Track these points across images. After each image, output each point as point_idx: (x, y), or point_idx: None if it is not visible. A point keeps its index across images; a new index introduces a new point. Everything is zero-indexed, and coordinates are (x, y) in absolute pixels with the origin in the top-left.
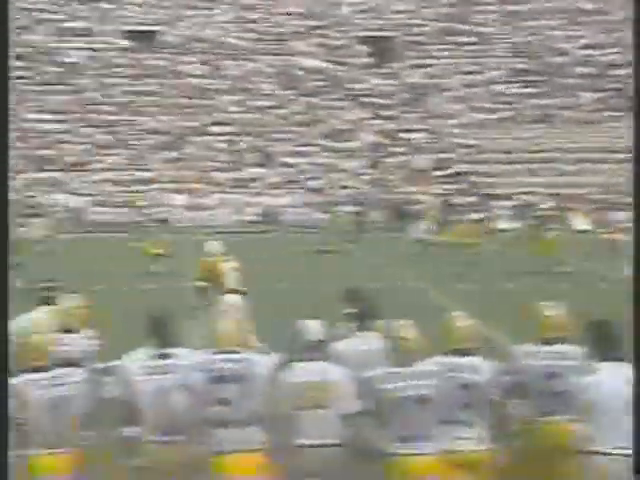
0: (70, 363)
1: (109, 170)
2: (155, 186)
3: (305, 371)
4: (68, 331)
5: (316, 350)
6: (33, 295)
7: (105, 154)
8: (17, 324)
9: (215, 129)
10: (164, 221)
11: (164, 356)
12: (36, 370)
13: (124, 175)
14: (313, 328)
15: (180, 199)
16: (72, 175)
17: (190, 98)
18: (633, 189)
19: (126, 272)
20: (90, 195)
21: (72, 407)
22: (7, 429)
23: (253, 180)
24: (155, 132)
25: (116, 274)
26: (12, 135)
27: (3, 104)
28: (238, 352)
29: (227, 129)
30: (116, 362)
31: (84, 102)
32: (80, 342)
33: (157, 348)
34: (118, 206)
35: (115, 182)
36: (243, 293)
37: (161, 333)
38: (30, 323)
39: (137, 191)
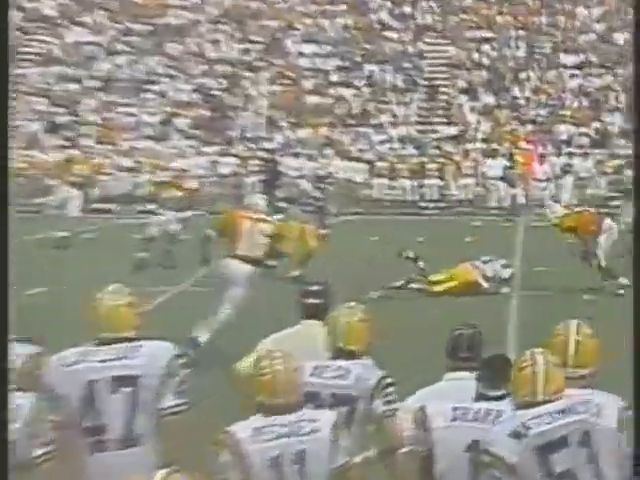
0: (337, 401)
1: None
2: None
3: None
4: (342, 355)
5: None
6: (300, 305)
7: None
8: (269, 344)
9: None
10: None
11: (488, 397)
12: (272, 411)
13: None
14: None
15: None
16: None
17: None
18: (633, 189)
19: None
20: None
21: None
22: (7, 430)
23: None
24: None
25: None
26: None
27: (3, 102)
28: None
29: None
30: (409, 399)
31: None
32: (358, 371)
33: (484, 383)
34: None
35: None
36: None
37: (474, 360)
38: (285, 343)
39: None
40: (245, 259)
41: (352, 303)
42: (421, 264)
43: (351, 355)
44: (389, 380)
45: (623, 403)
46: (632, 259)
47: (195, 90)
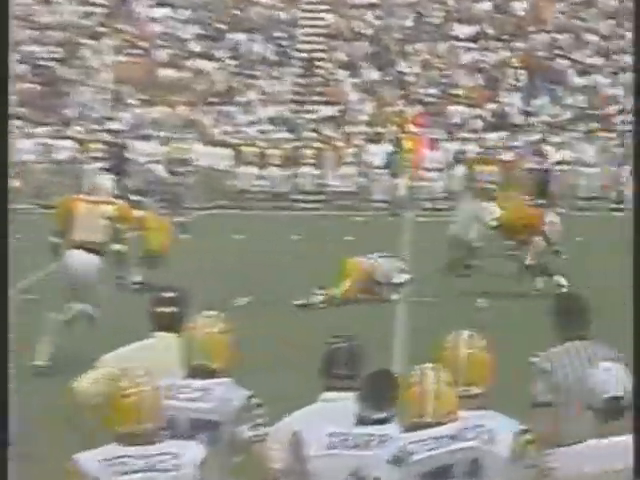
0: (196, 427)
1: None
2: None
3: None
4: (200, 373)
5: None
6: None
7: None
8: (113, 361)
9: None
10: None
11: (370, 419)
12: (131, 440)
13: None
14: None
15: None
16: None
17: None
18: (633, 189)
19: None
20: None
21: None
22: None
23: None
24: None
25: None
26: None
27: (3, 102)
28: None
29: None
30: (280, 424)
31: None
32: (220, 391)
33: (366, 404)
34: None
35: None
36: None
37: (353, 377)
38: (132, 359)
39: None
40: (85, 246)
41: (212, 312)
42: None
43: (211, 373)
44: (257, 401)
45: (520, 427)
46: (632, 258)
47: (22, 60)
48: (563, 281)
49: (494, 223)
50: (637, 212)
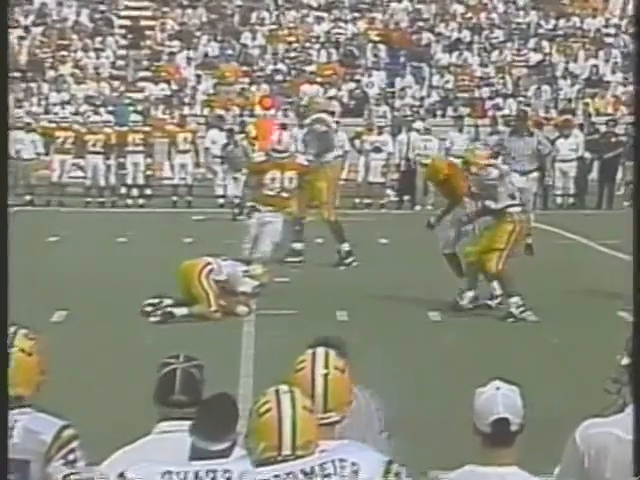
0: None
1: None
2: None
3: None
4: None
5: None
6: None
7: None
8: None
9: None
10: None
11: (208, 452)
12: None
13: None
14: None
15: None
16: None
17: None
18: (634, 190)
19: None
20: None
21: None
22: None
23: None
24: None
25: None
26: None
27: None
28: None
29: None
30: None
31: None
32: (24, 424)
33: (202, 435)
34: None
35: None
36: None
37: (192, 404)
38: None
39: None
40: None
41: (12, 328)
42: None
43: (16, 401)
44: (72, 432)
45: (386, 458)
46: (633, 260)
47: None
48: (499, 290)
49: (427, 161)
50: (637, 211)
